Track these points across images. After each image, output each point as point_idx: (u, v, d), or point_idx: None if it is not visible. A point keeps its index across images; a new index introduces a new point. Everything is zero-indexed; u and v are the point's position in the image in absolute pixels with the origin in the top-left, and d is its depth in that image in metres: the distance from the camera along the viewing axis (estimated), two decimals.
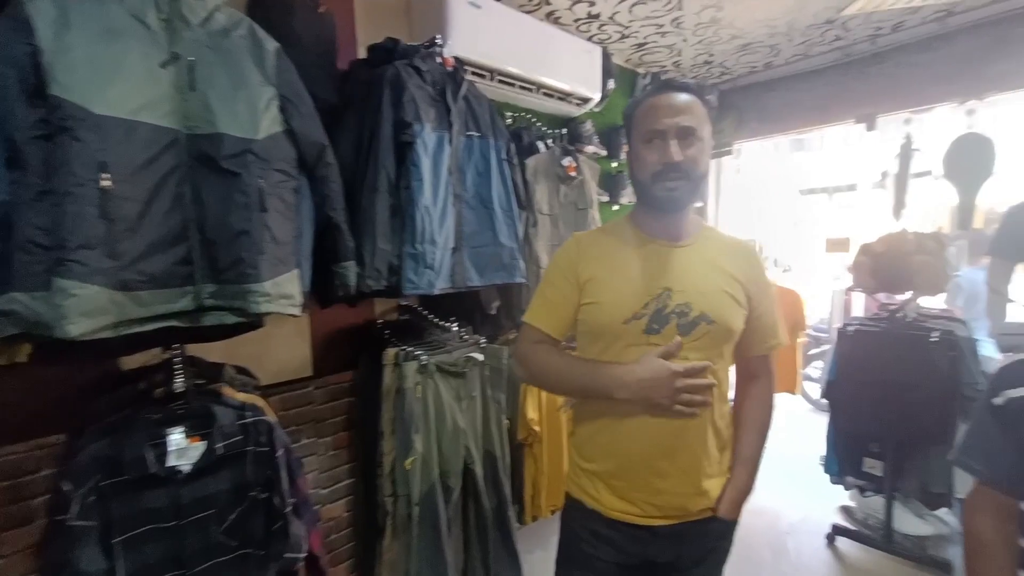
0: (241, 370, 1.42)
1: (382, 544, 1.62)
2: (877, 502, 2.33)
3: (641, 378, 0.92)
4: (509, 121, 2.20)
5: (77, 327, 0.86)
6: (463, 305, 1.96)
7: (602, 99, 2.55)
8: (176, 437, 1.14)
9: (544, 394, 2.05)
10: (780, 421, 3.81)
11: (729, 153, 3.57)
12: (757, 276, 1.03)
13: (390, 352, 1.60)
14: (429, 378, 1.61)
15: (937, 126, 3.07)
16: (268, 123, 1.11)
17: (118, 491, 1.09)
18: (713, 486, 1.01)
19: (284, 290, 1.11)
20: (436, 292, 1.48)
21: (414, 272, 1.40)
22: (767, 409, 1.07)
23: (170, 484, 1.14)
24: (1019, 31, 2.37)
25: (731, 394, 1.09)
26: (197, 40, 1.05)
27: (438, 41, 1.57)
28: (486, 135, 1.65)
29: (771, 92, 3.29)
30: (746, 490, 1.02)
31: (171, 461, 1.14)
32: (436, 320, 1.76)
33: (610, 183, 2.80)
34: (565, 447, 2.12)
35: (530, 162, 1.92)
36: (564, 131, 2.24)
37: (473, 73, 1.88)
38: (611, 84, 2.54)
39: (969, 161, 2.63)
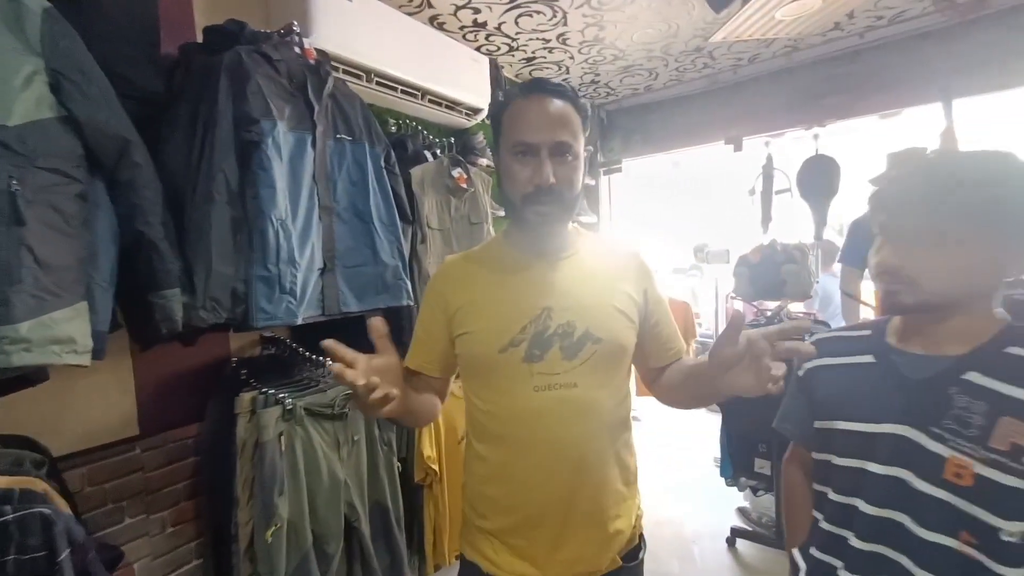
0: (17, 439, 1.04)
1: None
2: (769, 500, 2.44)
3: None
4: (393, 128, 2.02)
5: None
6: (345, 333, 1.70)
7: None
8: None
9: (442, 425, 1.85)
10: (679, 427, 3.98)
11: (619, 171, 3.70)
12: (648, 284, 0.94)
13: (245, 397, 1.30)
14: (297, 425, 1.33)
15: (791, 148, 3.44)
16: (28, 105, 0.81)
17: None
18: (623, 525, 0.91)
19: (57, 332, 0.81)
20: (300, 322, 1.22)
21: (267, 300, 1.14)
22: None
23: None
24: (846, 68, 2.73)
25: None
26: None
27: (296, 29, 1.34)
28: (360, 139, 1.44)
29: (652, 114, 3.47)
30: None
31: None
32: (307, 354, 1.49)
33: None
34: None
35: (416, 172, 1.75)
36: (453, 141, 2.10)
37: (345, 72, 1.67)
38: (501, 96, 2.47)
39: (817, 180, 2.95)
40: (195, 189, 1.07)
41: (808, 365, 0.85)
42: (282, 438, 1.29)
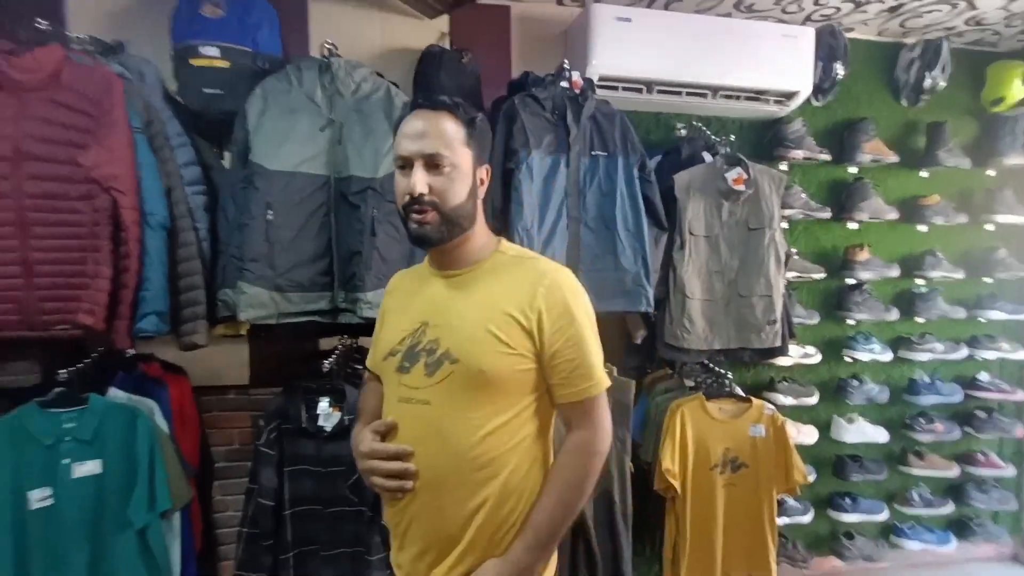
0: None
1: None
2: None
3: (355, 449, 0.90)
4: (681, 132, 2.00)
5: (245, 314, 1.27)
6: (605, 332, 1.88)
7: (826, 90, 2.04)
8: (324, 404, 1.51)
9: (691, 444, 1.77)
10: None
11: None
12: (553, 310, 0.83)
13: None
14: None
15: None
16: (388, 164, 1.37)
17: (287, 434, 1.52)
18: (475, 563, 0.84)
19: None
20: None
21: None
22: (572, 469, 0.86)
23: (317, 439, 1.51)
24: None
25: None
26: (347, 106, 1.39)
27: (566, 67, 1.59)
28: (614, 153, 1.57)
29: None
30: (516, 566, 0.81)
31: (320, 422, 1.51)
32: None
33: (840, 194, 2.18)
34: (719, 518, 1.77)
35: (681, 177, 1.71)
36: (732, 138, 1.88)
37: (624, 89, 1.81)
38: (839, 70, 2.00)
39: None
40: None
41: None
42: None
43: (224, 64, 1.44)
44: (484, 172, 0.92)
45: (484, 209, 1.45)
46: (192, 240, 1.33)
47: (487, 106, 1.72)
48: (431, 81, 1.60)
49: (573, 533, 1.68)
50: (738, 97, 1.92)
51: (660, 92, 1.84)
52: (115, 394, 1.38)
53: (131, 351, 1.45)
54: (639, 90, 1.82)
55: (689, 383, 1.93)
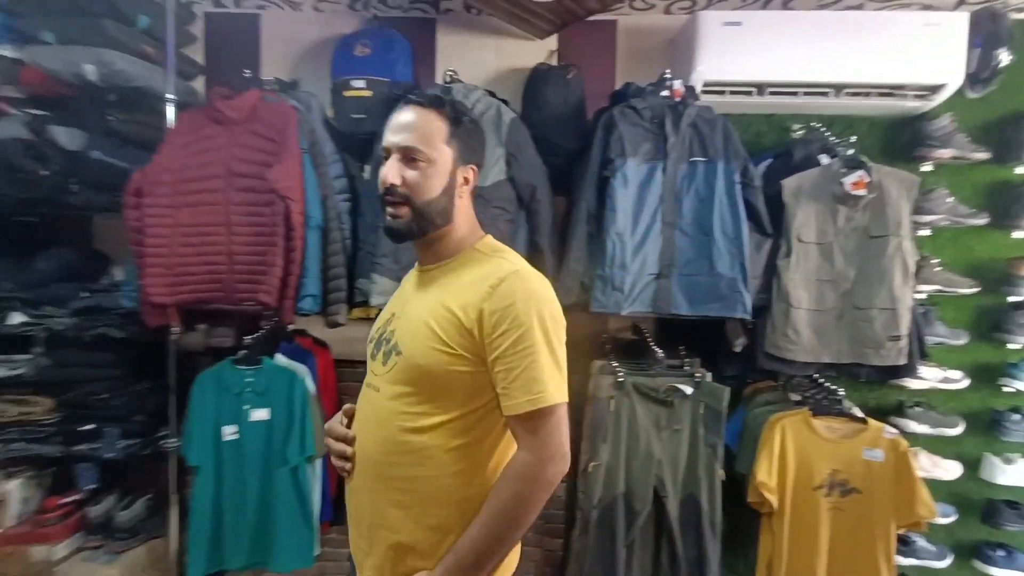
0: None
1: (573, 533, 1.81)
2: None
3: None
4: (798, 133, 1.89)
5: (375, 300, 1.53)
6: (705, 337, 1.87)
7: (985, 80, 1.80)
8: None
9: (790, 459, 1.69)
10: None
11: None
12: (497, 312, 0.79)
13: (596, 363, 1.77)
14: (625, 396, 1.68)
15: None
16: (495, 174, 1.55)
17: None
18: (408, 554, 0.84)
19: None
20: (624, 314, 1.56)
21: (601, 292, 1.55)
22: (505, 496, 0.78)
23: None
24: None
25: None
26: None
27: (667, 76, 1.63)
28: (714, 159, 1.57)
29: None
30: None
31: None
32: (651, 344, 1.78)
33: (1002, 199, 1.88)
34: (823, 543, 1.66)
35: (790, 182, 1.63)
36: (853, 140, 1.73)
37: (732, 93, 1.78)
38: (1003, 57, 1.74)
39: None
40: (569, 212, 1.61)
41: None
42: (612, 401, 1.68)
43: (368, 93, 1.74)
44: (470, 172, 0.90)
45: (577, 213, 1.58)
46: (339, 239, 1.64)
47: (590, 117, 1.82)
48: (537, 96, 1.75)
49: (656, 533, 1.71)
50: (867, 94, 1.77)
51: (773, 93, 1.77)
52: (280, 359, 1.75)
53: (291, 326, 1.82)
54: (748, 92, 1.78)
55: (795, 397, 1.83)
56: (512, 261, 0.88)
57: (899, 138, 1.89)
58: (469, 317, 0.80)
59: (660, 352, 1.72)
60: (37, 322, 1.73)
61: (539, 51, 1.99)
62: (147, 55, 1.69)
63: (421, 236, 0.88)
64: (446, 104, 0.87)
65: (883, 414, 1.90)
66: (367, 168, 1.83)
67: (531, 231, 1.61)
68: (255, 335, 1.74)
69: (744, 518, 1.85)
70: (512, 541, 0.80)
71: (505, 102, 1.71)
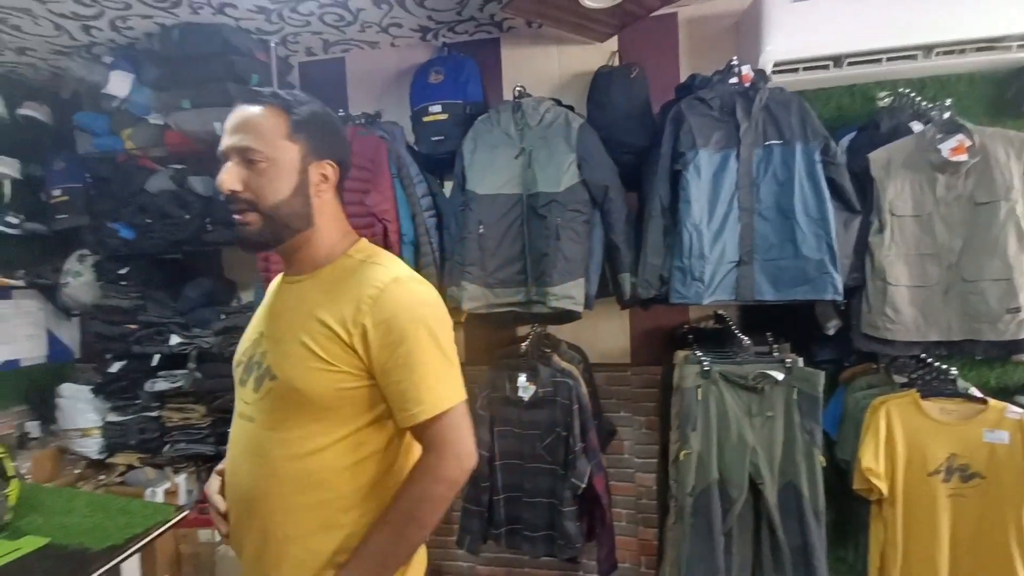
0: (573, 347, 2.03)
1: (668, 522, 1.84)
2: None
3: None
4: (885, 101, 1.79)
5: (467, 305, 1.67)
6: (795, 321, 1.84)
7: None
8: (522, 379, 1.86)
9: (899, 444, 1.61)
10: None
11: None
12: (380, 326, 0.75)
13: (679, 353, 1.79)
14: (713, 384, 1.69)
15: None
16: (568, 179, 1.64)
17: (495, 401, 1.91)
18: None
19: (568, 292, 1.62)
20: (706, 303, 1.57)
21: (681, 284, 1.57)
22: (409, 497, 0.76)
23: (518, 406, 1.87)
24: None
25: None
26: (535, 135, 1.70)
27: (733, 63, 1.62)
28: (790, 140, 1.54)
29: None
30: None
31: (520, 392, 1.87)
32: (736, 331, 1.77)
33: None
34: (943, 533, 1.57)
35: (877, 155, 1.56)
36: (948, 103, 1.60)
37: (806, 69, 1.73)
38: None
39: None
40: (644, 208, 1.65)
41: None
42: (699, 389, 1.69)
43: (444, 116, 1.89)
44: (328, 169, 0.83)
45: (651, 208, 1.62)
46: (429, 251, 1.81)
47: (656, 112, 1.85)
48: (603, 98, 1.80)
49: (755, 521, 1.70)
50: (963, 51, 1.64)
51: (853, 64, 1.70)
52: None
53: None
54: (825, 67, 1.72)
55: (900, 379, 1.73)
56: (389, 267, 0.82)
57: (1004, 94, 1.73)
58: (351, 333, 0.76)
59: (746, 339, 1.71)
60: (189, 342, 2.06)
61: (600, 54, 2.04)
62: None
63: (277, 244, 0.81)
64: (280, 97, 0.80)
65: (1007, 393, 1.75)
66: (447, 185, 1.99)
67: (607, 229, 1.67)
68: None
69: (850, 506, 1.78)
70: (416, 542, 0.78)
71: (571, 108, 1.79)
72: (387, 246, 1.71)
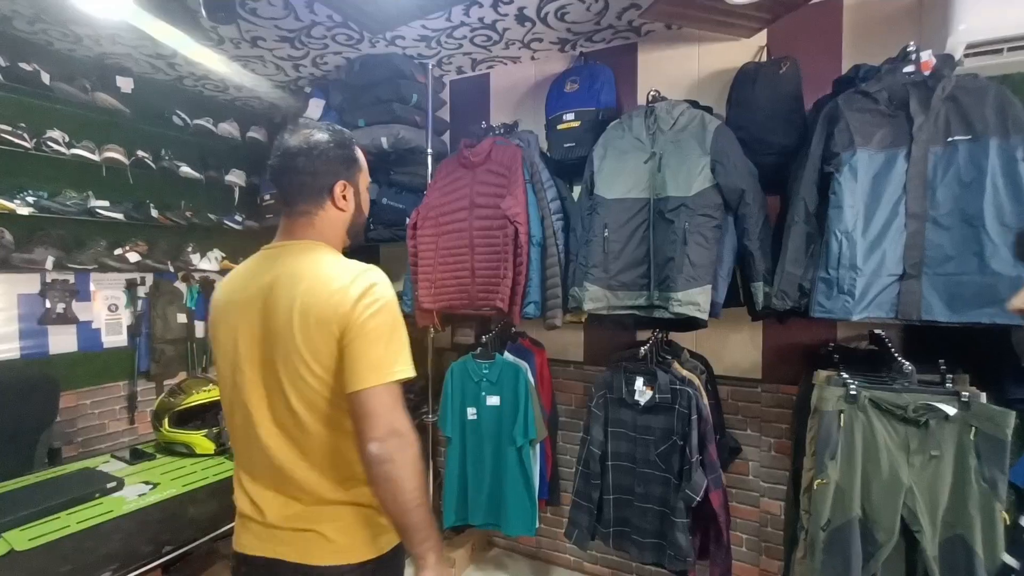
0: (696, 356, 1.96)
1: (795, 554, 1.69)
2: None
3: None
4: None
5: (587, 306, 1.73)
6: (980, 351, 1.56)
7: None
8: (639, 383, 1.86)
9: None
10: None
11: None
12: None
13: (821, 373, 1.62)
14: (860, 411, 1.50)
15: None
16: (699, 183, 1.60)
17: (611, 402, 1.93)
18: None
19: (693, 299, 1.58)
20: (855, 319, 1.41)
21: (825, 297, 1.43)
22: (374, 463, 0.90)
23: (634, 409, 1.87)
24: None
25: None
26: (666, 139, 1.69)
27: (910, 49, 1.43)
28: (982, 135, 1.31)
29: None
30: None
31: (636, 396, 1.87)
32: (895, 354, 1.55)
33: None
34: None
35: None
36: None
37: (1011, 50, 1.45)
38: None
39: None
40: (786, 212, 1.54)
41: None
42: (842, 415, 1.52)
43: (576, 124, 1.98)
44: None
45: (795, 213, 1.50)
46: (555, 252, 1.90)
47: (808, 109, 1.70)
48: (745, 96, 1.71)
49: (908, 573, 1.48)
50: None
51: None
52: (507, 355, 2.10)
53: (515, 328, 2.16)
54: None
55: None
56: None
57: None
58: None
59: (907, 364, 1.49)
60: None
61: (745, 50, 1.94)
62: (416, 122, 2.26)
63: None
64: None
65: None
66: (575, 189, 2.07)
67: (740, 235, 1.59)
68: (488, 335, 2.13)
69: None
70: (411, 496, 0.91)
71: (709, 110, 1.74)
72: (517, 247, 1.85)
